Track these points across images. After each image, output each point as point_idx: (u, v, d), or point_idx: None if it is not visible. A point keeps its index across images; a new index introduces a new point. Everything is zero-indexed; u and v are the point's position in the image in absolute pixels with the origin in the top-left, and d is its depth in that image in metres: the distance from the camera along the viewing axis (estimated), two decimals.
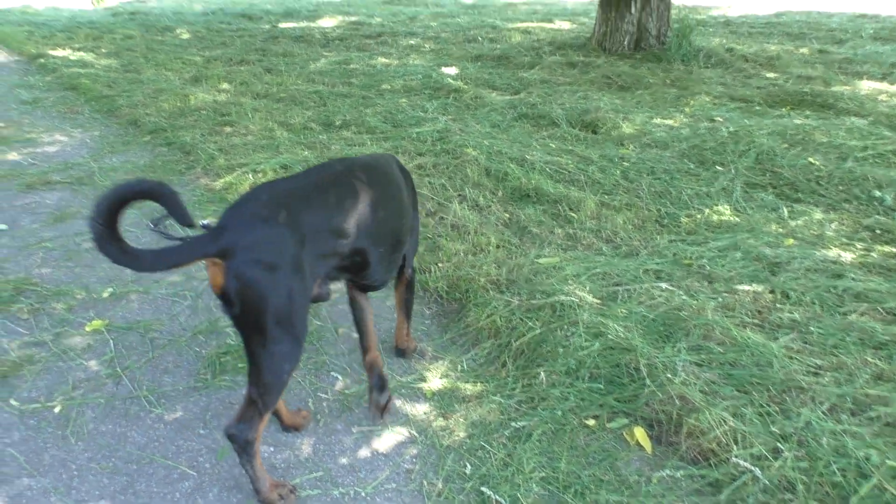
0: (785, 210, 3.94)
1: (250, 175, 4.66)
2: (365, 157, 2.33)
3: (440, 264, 3.46)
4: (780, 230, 3.70)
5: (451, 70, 8.02)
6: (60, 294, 3.34)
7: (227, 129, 5.84)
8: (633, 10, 8.05)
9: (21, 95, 7.43)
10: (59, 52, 9.80)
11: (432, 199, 4.21)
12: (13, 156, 5.41)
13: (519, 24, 11.45)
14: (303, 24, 12.72)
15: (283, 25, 12.48)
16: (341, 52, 9.70)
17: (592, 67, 7.61)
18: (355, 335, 2.93)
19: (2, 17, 14.32)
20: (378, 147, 5.13)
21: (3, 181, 4.84)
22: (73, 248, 3.81)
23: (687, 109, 5.90)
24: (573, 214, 3.96)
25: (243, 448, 1.98)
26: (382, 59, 8.86)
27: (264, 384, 1.89)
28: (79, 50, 10.04)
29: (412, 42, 10.29)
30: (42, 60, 9.23)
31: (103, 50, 10.03)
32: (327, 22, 12.76)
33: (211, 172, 4.92)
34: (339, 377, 2.75)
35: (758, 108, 5.92)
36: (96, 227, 1.62)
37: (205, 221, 4.03)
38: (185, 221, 1.72)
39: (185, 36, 11.43)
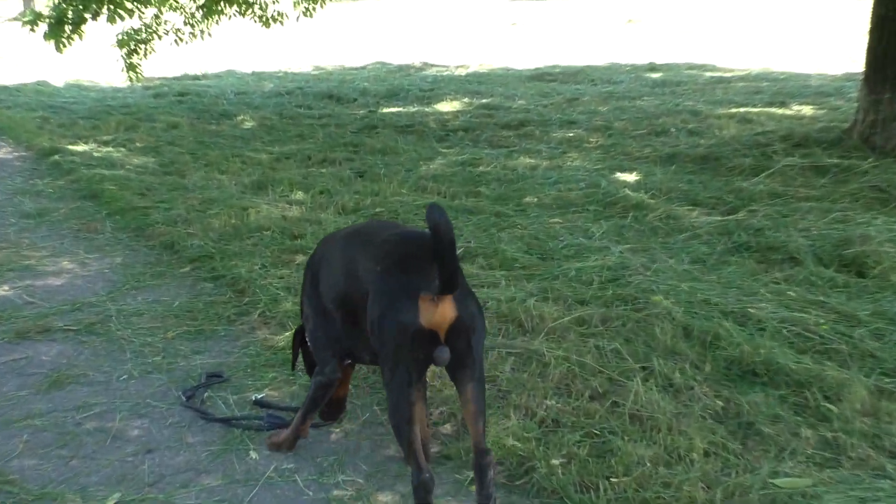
0: None
1: None
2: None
3: (613, 479, 3.37)
4: None
5: (631, 176, 8.11)
6: (45, 499, 3.45)
7: (300, 257, 6.10)
8: None
9: (24, 205, 8.15)
10: (80, 147, 10.78)
11: (601, 372, 4.17)
12: (4, 290, 5.85)
13: (734, 109, 11.58)
14: (412, 108, 13.45)
15: (384, 111, 13.23)
16: (466, 147, 10.10)
17: (854, 175, 7.49)
18: None
19: (11, 98, 16.07)
20: (519, 291, 5.17)
21: None
22: (70, 430, 3.98)
23: None
24: (831, 407, 3.80)
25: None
26: (526, 160, 9.12)
27: (484, 392, 3.08)
28: (106, 144, 11.02)
29: (570, 134, 10.57)
30: (56, 157, 10.18)
31: (138, 144, 10.95)
32: (447, 106, 13.43)
33: (272, 321, 5.10)
34: None
35: None
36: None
37: (259, 396, 4.16)
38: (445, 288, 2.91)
39: (249, 124, 12.33)
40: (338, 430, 3.95)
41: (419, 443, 2.99)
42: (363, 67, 20.03)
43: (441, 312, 2.91)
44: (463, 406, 3.11)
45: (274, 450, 3.77)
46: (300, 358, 4.00)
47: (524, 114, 12.19)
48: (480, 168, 8.77)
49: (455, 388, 3.13)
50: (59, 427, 4.00)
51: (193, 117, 13.12)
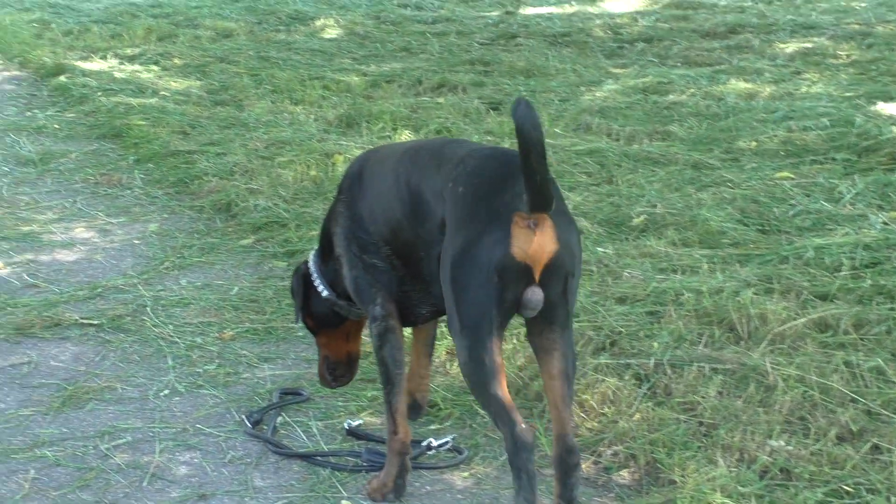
0: None
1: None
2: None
3: None
4: None
5: None
6: None
7: None
8: None
9: (19, 147, 8.42)
10: (94, 65, 11.05)
11: (854, 401, 4.11)
12: None
13: None
14: (569, 7, 13.38)
15: (527, 12, 13.19)
16: (648, 66, 10.03)
17: None
18: None
19: None
20: (730, 280, 5.14)
21: None
22: (93, 464, 4.10)
23: None
24: None
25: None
26: (739, 84, 9.02)
27: (576, 364, 3.47)
28: (131, 60, 11.27)
29: (807, 45, 10.38)
30: (62, 79, 10.47)
31: (176, 60, 11.18)
32: (620, 4, 13.32)
33: None
34: None
35: None
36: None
37: (355, 423, 4.27)
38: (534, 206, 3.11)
39: (333, 32, 12.45)
40: (466, 475, 4.00)
41: (510, 399, 3.24)
42: None
43: (539, 242, 3.14)
44: (547, 380, 3.41)
45: (377, 499, 3.85)
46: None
47: (737, 15, 12.02)
48: (670, 97, 8.69)
49: (535, 352, 3.45)
50: (78, 460, 4.12)
51: (253, 22, 13.33)
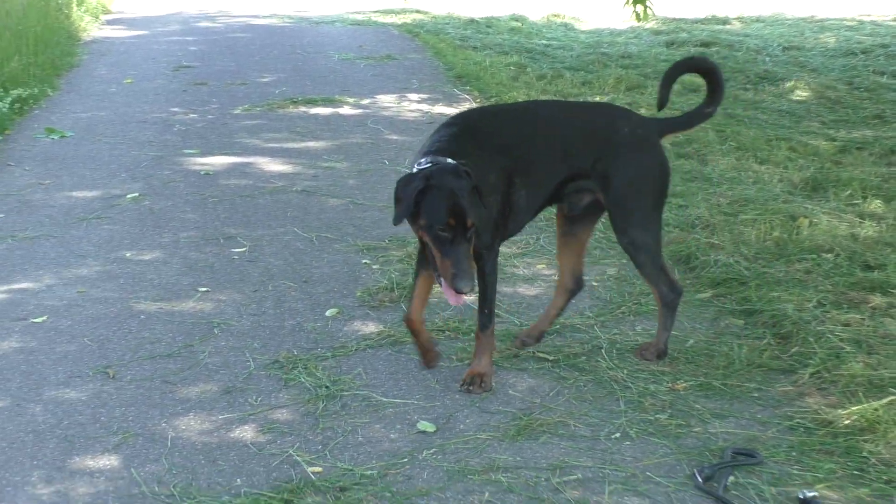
0: None
1: None
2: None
3: None
4: None
5: None
6: None
7: (875, 298, 6.02)
8: None
9: None
10: None
11: None
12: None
13: None
14: None
15: None
16: None
17: None
18: None
19: (480, 35, 17.35)
20: None
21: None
22: (545, 496, 4.20)
23: None
24: None
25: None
26: None
27: None
28: None
29: None
30: None
31: (643, 111, 11.30)
32: None
33: (832, 388, 5.04)
34: None
35: None
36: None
37: (810, 493, 4.14)
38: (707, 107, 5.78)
39: (802, 94, 12.30)
40: None
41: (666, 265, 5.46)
42: None
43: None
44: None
45: (479, 389, 5.10)
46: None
47: None
48: None
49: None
50: (530, 490, 4.24)
51: (726, 78, 13.37)
